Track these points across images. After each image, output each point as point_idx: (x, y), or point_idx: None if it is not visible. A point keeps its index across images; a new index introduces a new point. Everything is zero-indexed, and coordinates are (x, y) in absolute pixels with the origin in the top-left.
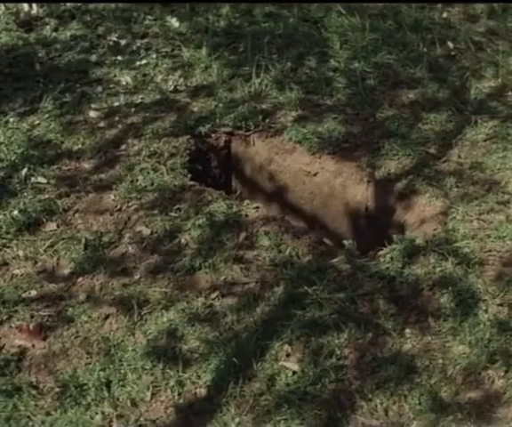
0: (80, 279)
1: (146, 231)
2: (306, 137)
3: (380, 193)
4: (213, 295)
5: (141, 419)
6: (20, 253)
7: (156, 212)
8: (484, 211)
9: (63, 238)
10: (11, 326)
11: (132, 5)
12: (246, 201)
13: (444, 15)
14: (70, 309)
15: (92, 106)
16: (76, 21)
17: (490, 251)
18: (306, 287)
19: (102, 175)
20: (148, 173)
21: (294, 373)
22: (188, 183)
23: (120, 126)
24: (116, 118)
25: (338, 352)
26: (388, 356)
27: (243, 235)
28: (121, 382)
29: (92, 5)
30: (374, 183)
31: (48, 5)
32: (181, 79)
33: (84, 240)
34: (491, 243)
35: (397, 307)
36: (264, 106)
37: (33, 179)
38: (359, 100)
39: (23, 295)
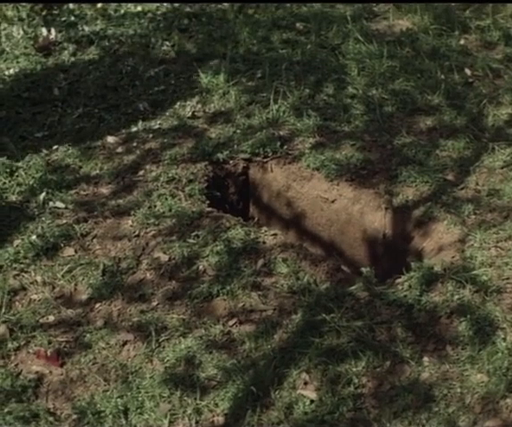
0: (98, 305)
1: (164, 258)
2: (324, 164)
3: (398, 220)
4: (231, 322)
5: None
6: (38, 278)
7: (173, 238)
8: (502, 238)
9: (81, 264)
10: (28, 352)
11: (151, 31)
12: (264, 228)
13: (462, 42)
14: (88, 335)
15: (110, 131)
16: (94, 46)
17: (508, 279)
18: (324, 315)
19: (120, 201)
20: (166, 199)
21: (312, 401)
22: (205, 210)
23: (138, 152)
24: (134, 144)
25: (356, 381)
26: (406, 384)
27: (260, 262)
28: (138, 410)
29: (110, 31)
30: (392, 210)
31: (66, 30)
32: (199, 105)
33: (101, 266)
34: (508, 271)
35: (415, 335)
36: (282, 132)
37: (51, 203)
38: (377, 127)
39: (41, 321)
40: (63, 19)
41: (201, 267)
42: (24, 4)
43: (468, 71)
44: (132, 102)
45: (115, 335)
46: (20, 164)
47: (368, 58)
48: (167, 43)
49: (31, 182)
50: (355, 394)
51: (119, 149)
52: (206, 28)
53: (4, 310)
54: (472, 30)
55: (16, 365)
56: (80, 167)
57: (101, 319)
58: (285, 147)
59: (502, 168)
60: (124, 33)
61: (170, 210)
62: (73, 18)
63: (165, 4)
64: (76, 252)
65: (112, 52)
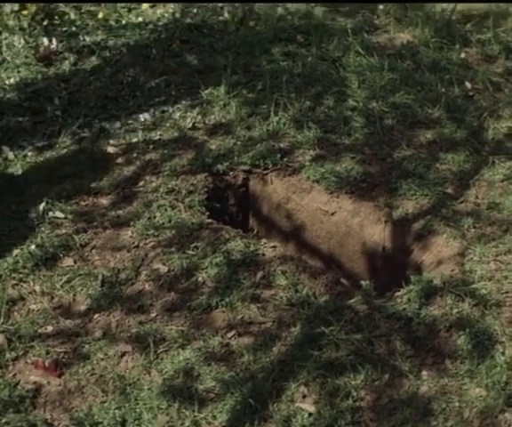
0: (96, 316)
1: (163, 269)
2: (324, 176)
3: (398, 233)
4: (230, 334)
5: None
6: (37, 288)
7: (173, 249)
8: (502, 252)
9: (80, 274)
10: (26, 362)
11: (152, 42)
12: (263, 240)
13: (462, 56)
14: (86, 345)
15: (111, 142)
16: (95, 57)
17: (507, 292)
18: (323, 328)
19: (120, 211)
20: (166, 210)
21: (310, 414)
22: (205, 221)
23: (138, 163)
24: (134, 155)
25: (354, 394)
26: (405, 398)
27: (260, 274)
28: (136, 422)
29: (111, 41)
30: (392, 223)
31: (67, 40)
32: (199, 117)
33: (100, 277)
34: (508, 284)
35: (414, 348)
36: (282, 144)
37: (50, 213)
38: (377, 140)
39: (39, 331)
40: (64, 29)
41: (200, 278)
42: (25, 13)
43: (468, 84)
44: (132, 113)
45: (113, 346)
46: (19, 173)
47: (369, 70)
48: (168, 54)
49: (31, 192)
50: (353, 407)
51: (119, 160)
52: (207, 39)
53: (2, 320)
54: (473, 44)
55: (14, 375)
56: (80, 177)
57: (100, 330)
58: (285, 159)
59: (502, 182)
60: (125, 43)
61: (169, 221)
62: (74, 28)
63: (166, 15)
64: (75, 262)
65: (113, 63)
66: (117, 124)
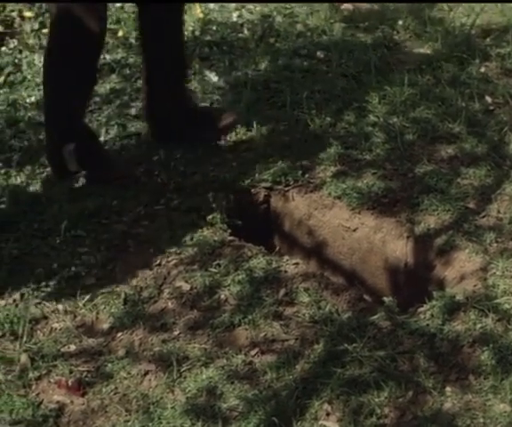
0: (119, 334)
1: (185, 287)
2: (345, 192)
3: (420, 249)
4: (253, 352)
5: None
6: (60, 306)
7: (195, 267)
8: None
9: (102, 293)
10: (49, 382)
11: None
12: (286, 257)
13: (482, 70)
14: (109, 364)
15: (132, 159)
16: (115, 75)
17: None
18: (346, 345)
19: (141, 230)
20: (188, 227)
21: None
22: (227, 238)
23: (159, 180)
24: (156, 172)
25: (378, 411)
26: (429, 415)
27: (282, 291)
28: None
29: (131, 59)
30: (414, 239)
31: None
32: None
33: (123, 295)
34: None
35: (438, 365)
36: (303, 161)
37: (73, 232)
38: (398, 156)
39: (62, 350)
40: None
41: (222, 296)
42: (45, 31)
43: (488, 99)
44: None
45: (136, 365)
46: (41, 192)
47: (389, 86)
48: (188, 71)
49: (53, 210)
50: (377, 425)
51: (140, 178)
52: (227, 56)
53: (25, 339)
54: (492, 58)
55: (37, 394)
56: (102, 196)
57: (123, 349)
58: (307, 175)
59: None
60: None
61: (191, 239)
62: None
63: (186, 33)
64: (97, 280)
65: (133, 81)
66: (138, 142)
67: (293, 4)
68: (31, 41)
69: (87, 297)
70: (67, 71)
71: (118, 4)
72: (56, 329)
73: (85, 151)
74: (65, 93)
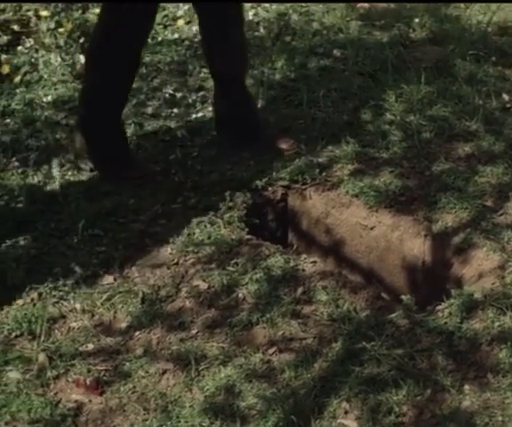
0: (137, 333)
1: (203, 285)
2: (362, 191)
3: (438, 247)
4: (271, 351)
5: None
6: (78, 305)
7: (213, 266)
8: None
9: (120, 292)
10: (68, 381)
11: (188, 58)
12: (303, 255)
13: (499, 68)
14: (127, 363)
15: (148, 158)
16: None
17: None
18: (364, 343)
19: (159, 228)
20: (205, 226)
21: None
22: (244, 237)
23: (176, 179)
24: (173, 171)
25: (396, 409)
26: (447, 413)
27: (300, 290)
28: None
29: (147, 58)
30: (431, 237)
31: None
32: None
33: (141, 294)
34: None
35: (456, 363)
36: (320, 159)
37: (90, 231)
38: (415, 154)
39: (80, 349)
40: None
41: (240, 295)
42: (61, 30)
43: (505, 97)
44: (169, 129)
45: (154, 364)
46: (58, 191)
47: (405, 84)
48: (204, 70)
49: (70, 210)
50: (395, 423)
51: (157, 177)
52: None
53: (43, 338)
54: (509, 55)
55: (55, 393)
56: (119, 194)
57: (141, 348)
58: (324, 174)
59: None
60: (162, 60)
61: (209, 237)
62: None
63: None
64: (115, 280)
65: (149, 80)
66: (155, 141)
67: (309, 3)
68: (47, 40)
69: (105, 296)
70: (113, 63)
71: None
72: (74, 328)
73: (112, 150)
74: (110, 84)
